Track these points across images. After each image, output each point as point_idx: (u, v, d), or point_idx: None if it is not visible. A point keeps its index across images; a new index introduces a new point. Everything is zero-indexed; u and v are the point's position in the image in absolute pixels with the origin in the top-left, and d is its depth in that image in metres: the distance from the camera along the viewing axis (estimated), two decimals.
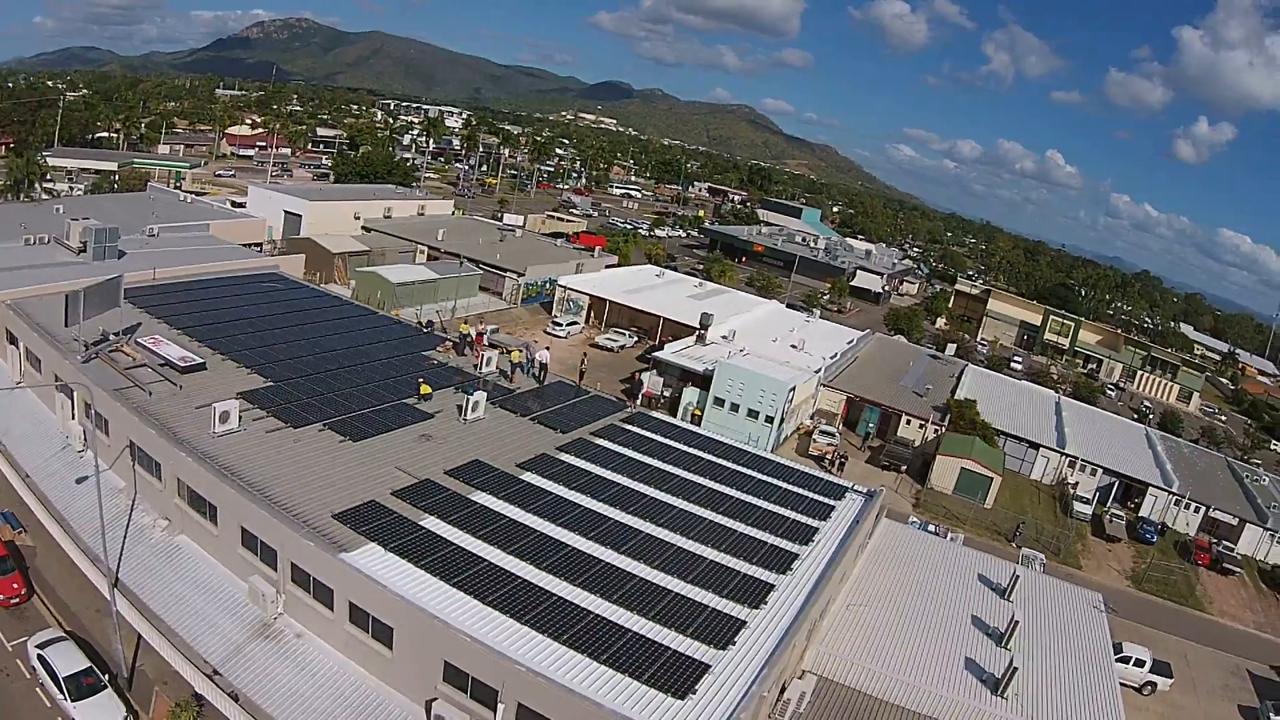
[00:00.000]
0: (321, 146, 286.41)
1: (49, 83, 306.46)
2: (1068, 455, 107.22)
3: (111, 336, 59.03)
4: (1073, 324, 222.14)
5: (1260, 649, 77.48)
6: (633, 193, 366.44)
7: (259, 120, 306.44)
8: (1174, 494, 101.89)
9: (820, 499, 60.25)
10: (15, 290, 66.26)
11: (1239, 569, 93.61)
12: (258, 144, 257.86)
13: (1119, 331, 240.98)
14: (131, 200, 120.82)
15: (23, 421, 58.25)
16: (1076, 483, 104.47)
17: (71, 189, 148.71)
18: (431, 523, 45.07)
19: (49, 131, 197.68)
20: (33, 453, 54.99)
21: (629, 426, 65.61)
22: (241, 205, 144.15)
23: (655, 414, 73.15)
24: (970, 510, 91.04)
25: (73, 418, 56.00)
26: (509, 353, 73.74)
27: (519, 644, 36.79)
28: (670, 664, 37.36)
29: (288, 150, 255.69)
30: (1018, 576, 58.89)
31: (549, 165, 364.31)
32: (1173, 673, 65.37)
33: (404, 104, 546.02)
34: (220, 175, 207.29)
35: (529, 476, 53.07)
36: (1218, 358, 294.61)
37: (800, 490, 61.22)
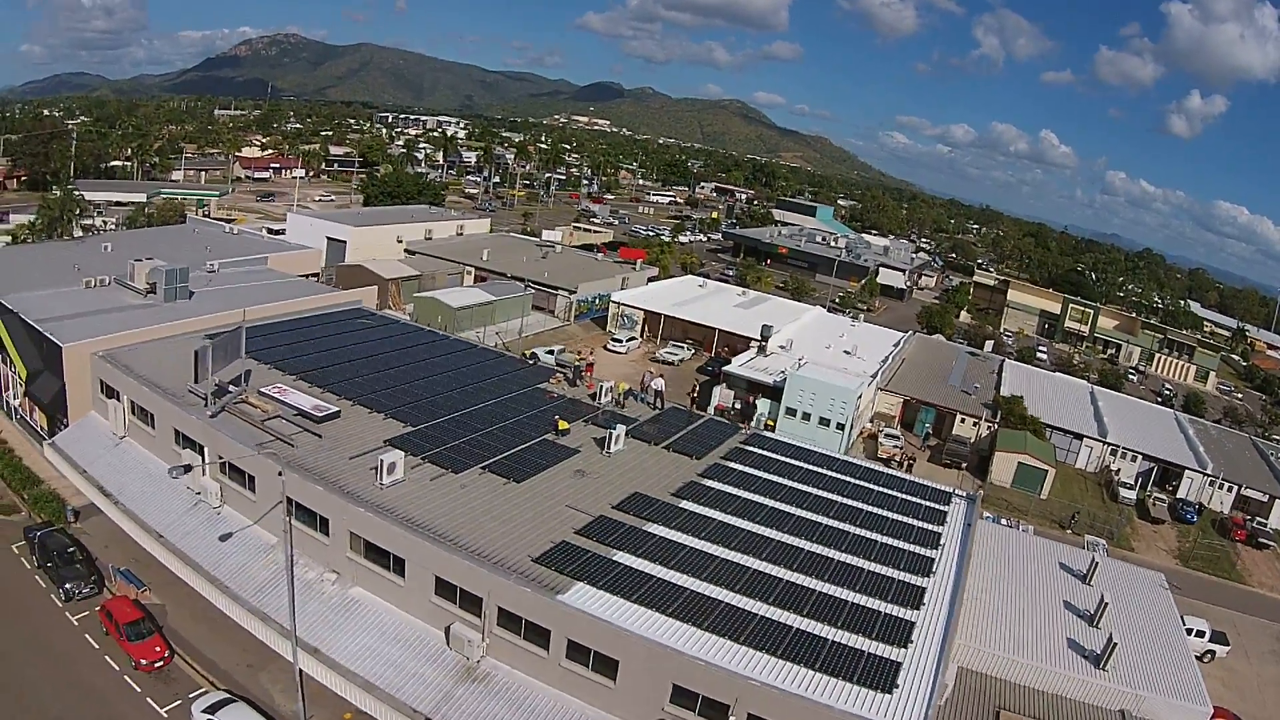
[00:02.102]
0: (335, 166, 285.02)
1: (45, 112, 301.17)
2: (1110, 444, 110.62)
3: (231, 388, 57.89)
4: (1091, 311, 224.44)
5: None
6: (658, 198, 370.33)
7: (264, 141, 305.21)
8: (1208, 475, 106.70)
9: (933, 505, 62.93)
10: (97, 339, 65.41)
11: (1273, 543, 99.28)
12: (271, 165, 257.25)
13: (1135, 316, 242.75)
14: (176, 235, 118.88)
15: (137, 478, 57.49)
16: (1119, 469, 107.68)
17: (105, 223, 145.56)
18: (622, 557, 46.63)
19: (63, 163, 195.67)
20: (159, 510, 54.44)
21: (750, 448, 66.97)
22: (279, 233, 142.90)
23: (767, 434, 74.86)
24: (1030, 502, 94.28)
25: (205, 474, 54.48)
26: (618, 384, 74.55)
27: (741, 661, 39.69)
28: (870, 665, 40.91)
29: (301, 171, 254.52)
30: (1096, 563, 62.35)
31: (560, 174, 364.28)
32: (1229, 641, 70.85)
33: (401, 116, 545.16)
34: (263, 200, 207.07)
35: (687, 505, 54.60)
36: (1228, 334, 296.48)
37: (914, 498, 63.66)
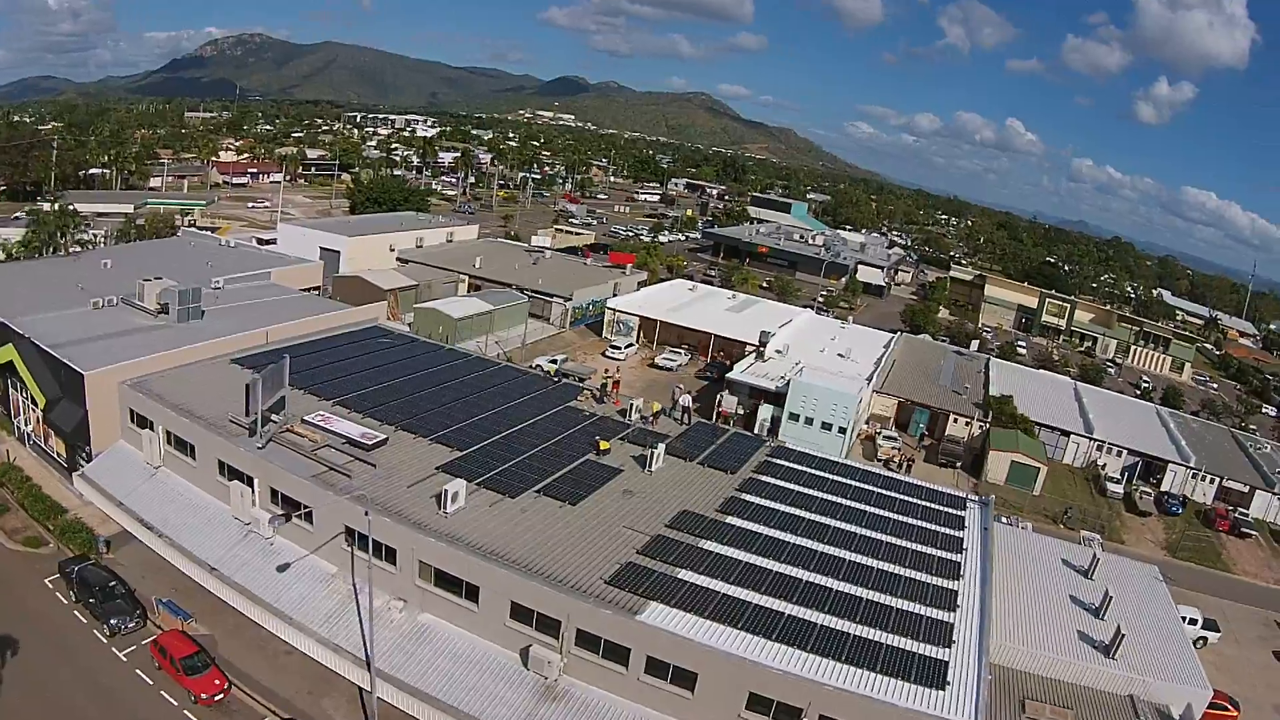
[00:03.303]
0: (313, 170, 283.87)
1: (16, 118, 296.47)
2: (1096, 440, 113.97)
3: (274, 417, 58.13)
4: (1068, 306, 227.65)
5: None
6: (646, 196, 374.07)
7: (238, 145, 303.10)
8: (1191, 468, 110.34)
9: (951, 511, 66.22)
10: (119, 365, 64.90)
11: (1254, 532, 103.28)
12: (249, 170, 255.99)
13: (1111, 309, 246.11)
14: (172, 249, 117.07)
15: (179, 510, 57.78)
16: (1105, 464, 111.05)
17: (94, 237, 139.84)
18: (686, 574, 48.95)
19: (45, 174, 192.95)
20: (209, 542, 54.84)
21: (776, 460, 69.37)
22: (269, 243, 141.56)
23: (789, 445, 76.38)
24: (1025, 499, 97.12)
25: (254, 504, 55.24)
26: (651, 404, 76.19)
27: (810, 667, 42.96)
28: (922, 665, 44.51)
29: (279, 176, 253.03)
30: (1097, 559, 66.40)
31: (534, 173, 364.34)
32: (1220, 628, 75.04)
33: (370, 115, 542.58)
34: (253, 207, 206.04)
35: (733, 520, 56.96)
36: (1200, 323, 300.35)
37: (933, 505, 66.79)
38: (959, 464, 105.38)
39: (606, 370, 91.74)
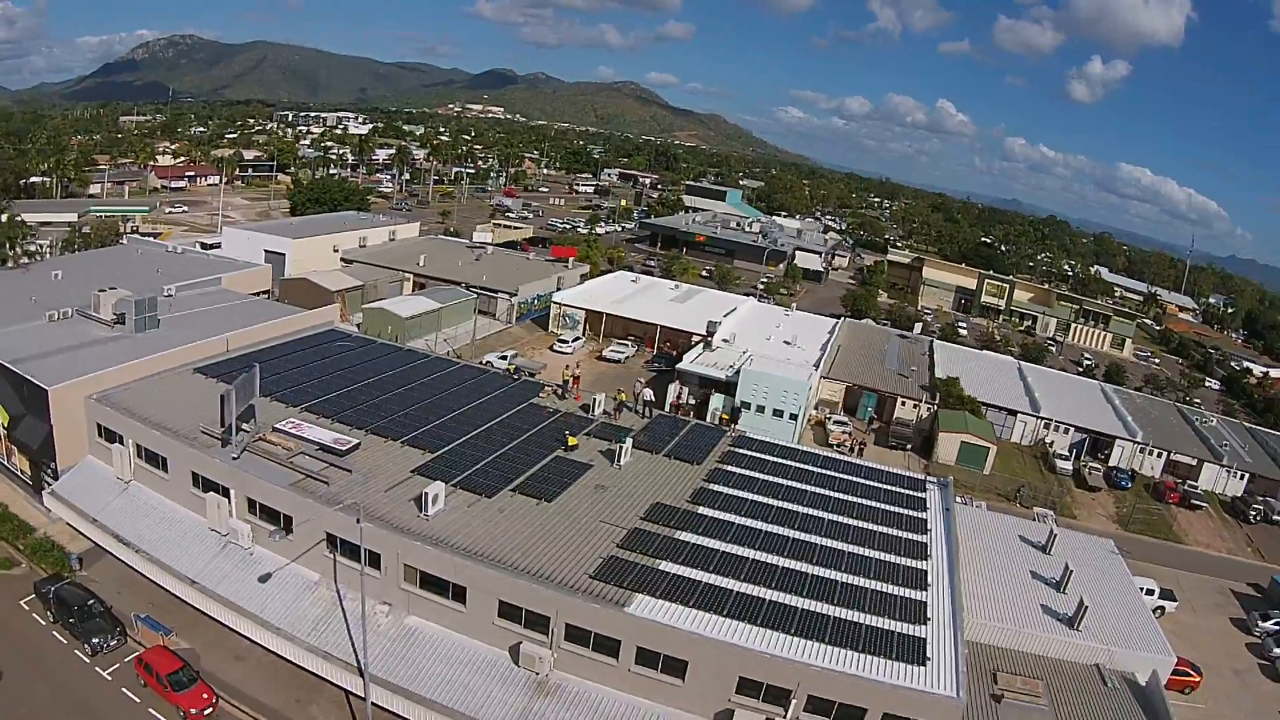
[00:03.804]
0: (250, 171, 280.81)
1: None
2: (1043, 418, 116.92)
3: (244, 426, 57.67)
4: (1007, 286, 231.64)
5: (1235, 570, 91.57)
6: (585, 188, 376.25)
7: (174, 148, 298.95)
8: (1138, 443, 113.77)
9: (912, 493, 68.41)
10: (83, 379, 63.59)
11: (1204, 504, 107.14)
12: (186, 174, 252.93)
13: (1050, 288, 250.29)
14: (120, 257, 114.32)
15: (154, 524, 57.24)
16: (1053, 442, 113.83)
17: (40, 247, 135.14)
18: (667, 566, 50.27)
19: None
20: (187, 556, 54.44)
21: (739, 450, 70.73)
22: (213, 246, 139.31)
23: (748, 433, 77.70)
24: (976, 478, 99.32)
25: (232, 515, 54.91)
26: (618, 394, 77.51)
27: (795, 650, 44.77)
28: (902, 642, 46.56)
29: (216, 178, 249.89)
30: (1054, 535, 69.15)
31: (469, 168, 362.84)
32: (1176, 597, 78.18)
33: (301, 114, 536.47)
34: (171, 212, 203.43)
35: (705, 510, 58.29)
36: (1139, 299, 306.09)
37: (894, 488, 68.86)
38: (909, 446, 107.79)
39: (567, 366, 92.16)
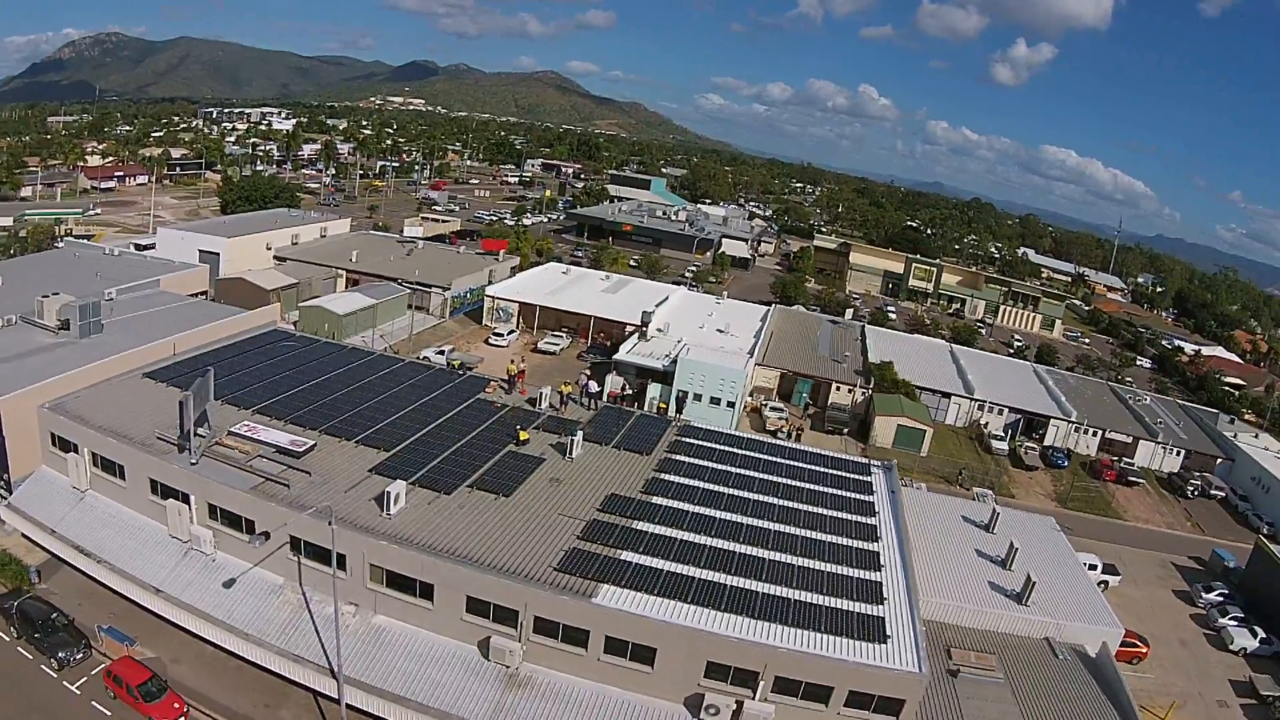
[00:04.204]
0: (178, 170, 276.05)
1: None
2: (977, 400, 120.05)
3: (201, 431, 56.89)
4: (935, 269, 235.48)
5: (1175, 544, 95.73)
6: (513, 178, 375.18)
7: (102, 148, 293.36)
8: (1072, 422, 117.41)
9: (858, 477, 70.61)
10: (33, 388, 62.27)
11: (1141, 480, 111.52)
12: (116, 175, 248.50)
13: (977, 270, 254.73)
14: (58, 261, 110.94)
15: (114, 533, 56.59)
16: (987, 423, 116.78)
17: None
18: (629, 555, 51.59)
19: None
20: (150, 564, 54.07)
21: (686, 439, 72.17)
22: (147, 248, 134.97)
23: (692, 422, 79.78)
24: (913, 460, 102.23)
25: (193, 521, 54.51)
26: (563, 387, 78.33)
27: (760, 633, 46.47)
28: (862, 622, 48.55)
29: (145, 178, 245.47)
30: (997, 514, 71.87)
31: (394, 161, 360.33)
32: (1119, 571, 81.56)
33: (225, 110, 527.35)
34: (94, 213, 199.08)
35: (659, 500, 59.67)
36: (1067, 279, 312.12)
37: (840, 472, 70.97)
38: (845, 430, 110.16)
39: (513, 361, 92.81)
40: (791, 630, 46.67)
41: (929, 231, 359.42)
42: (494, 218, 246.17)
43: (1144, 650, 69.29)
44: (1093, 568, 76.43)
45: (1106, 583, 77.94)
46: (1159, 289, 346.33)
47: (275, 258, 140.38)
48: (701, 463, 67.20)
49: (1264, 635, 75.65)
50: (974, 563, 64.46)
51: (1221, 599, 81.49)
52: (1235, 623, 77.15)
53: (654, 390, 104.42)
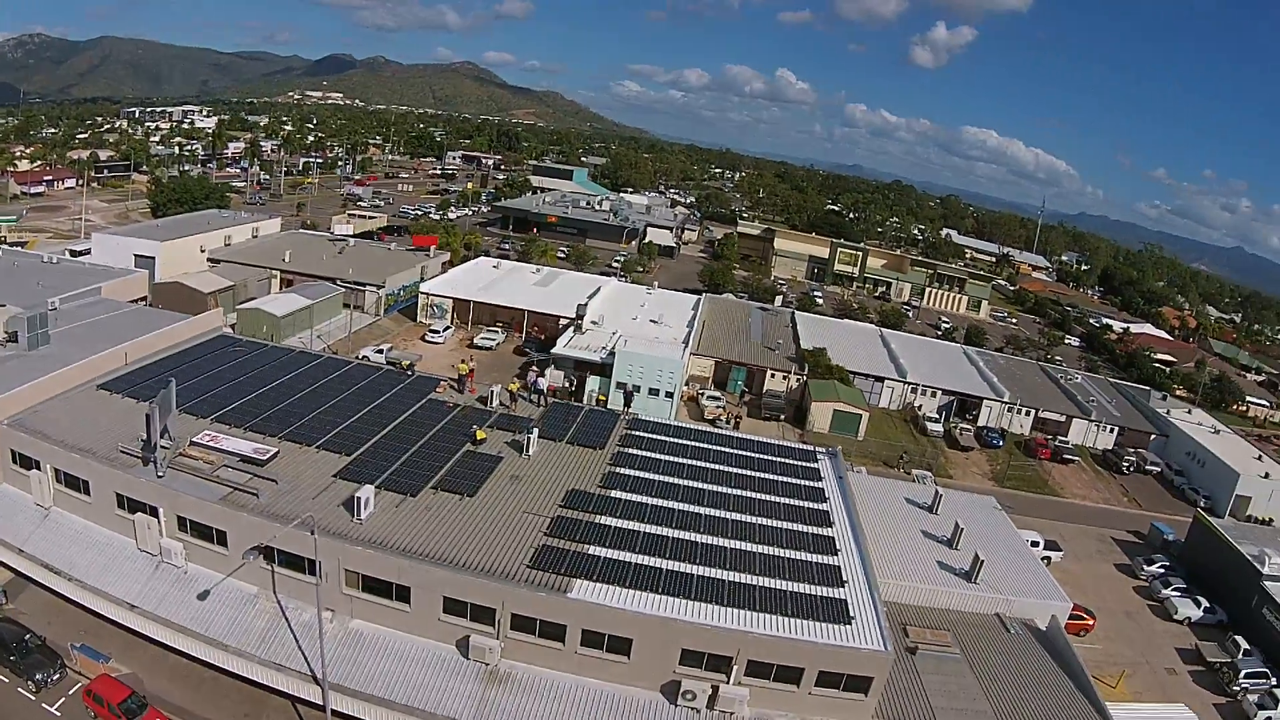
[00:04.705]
0: (106, 172, 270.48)
1: None
2: (910, 383, 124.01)
3: (164, 443, 55.99)
4: (860, 254, 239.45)
5: (1113, 519, 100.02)
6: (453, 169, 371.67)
7: (29, 152, 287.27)
8: (1005, 402, 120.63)
9: (805, 464, 73.04)
10: None
11: (1076, 458, 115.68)
12: (44, 179, 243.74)
13: (902, 253, 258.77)
14: None
15: (81, 549, 55.89)
16: (921, 405, 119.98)
17: None
18: (596, 550, 53.34)
19: None
20: (122, 580, 53.71)
21: (636, 432, 73.83)
22: (82, 253, 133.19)
23: (640, 415, 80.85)
24: (851, 445, 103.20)
25: (162, 535, 54.32)
26: (512, 385, 79.23)
27: (730, 619, 48.50)
28: (826, 605, 51.00)
29: (73, 181, 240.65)
30: (940, 495, 74.73)
31: (317, 157, 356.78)
32: (1061, 547, 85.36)
33: (147, 110, 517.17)
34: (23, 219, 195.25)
35: (618, 494, 61.36)
36: (992, 260, 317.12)
37: (788, 460, 73.32)
38: (782, 417, 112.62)
39: (464, 360, 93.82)
40: (760, 615, 48.86)
41: (851, 215, 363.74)
42: (419, 212, 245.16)
43: (1090, 622, 72.65)
44: (1035, 544, 79.80)
45: (1049, 559, 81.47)
46: (1084, 267, 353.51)
47: (209, 260, 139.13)
48: (654, 455, 68.94)
49: (1207, 604, 79.53)
50: (922, 543, 67.31)
51: (1163, 571, 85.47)
52: (1178, 593, 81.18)
53: (593, 383, 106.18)
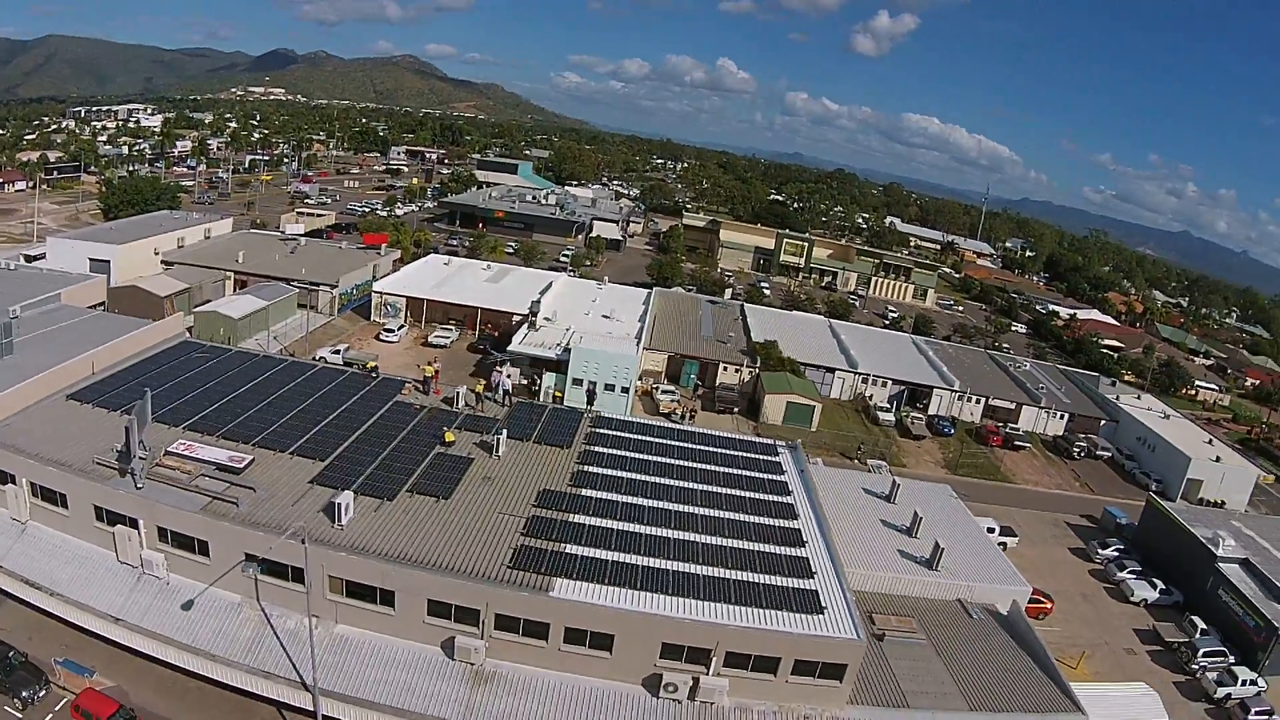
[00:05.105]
0: (55, 174, 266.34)
1: None
2: (860, 374, 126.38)
3: (140, 454, 55.77)
4: (805, 244, 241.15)
5: (1066, 504, 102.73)
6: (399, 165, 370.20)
7: None
8: (955, 391, 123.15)
9: (767, 458, 74.85)
10: None
11: (1027, 444, 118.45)
12: None
13: (848, 243, 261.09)
14: None
15: (61, 563, 55.56)
16: (872, 395, 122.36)
17: None
18: (574, 548, 54.84)
19: None
20: (105, 593, 53.61)
21: (600, 430, 75.21)
22: (38, 258, 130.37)
23: (603, 412, 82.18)
24: (804, 436, 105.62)
25: (143, 546, 54.41)
26: (477, 387, 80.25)
27: (708, 612, 50.26)
28: (798, 596, 52.96)
29: (23, 184, 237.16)
30: (897, 485, 77.32)
31: (263, 155, 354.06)
32: (1016, 533, 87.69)
33: (93, 109, 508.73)
34: None
35: (589, 492, 62.88)
36: (936, 247, 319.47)
37: (750, 454, 75.13)
38: (736, 409, 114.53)
39: (430, 361, 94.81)
40: (735, 608, 50.79)
41: (795, 205, 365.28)
42: (365, 209, 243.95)
43: (1049, 606, 75.35)
44: (991, 530, 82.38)
45: (1005, 544, 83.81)
46: (1029, 253, 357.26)
47: (164, 262, 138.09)
48: (620, 453, 70.48)
49: (1163, 586, 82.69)
50: (882, 532, 69.72)
51: (1118, 554, 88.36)
52: (1134, 576, 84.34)
53: (549, 379, 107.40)
